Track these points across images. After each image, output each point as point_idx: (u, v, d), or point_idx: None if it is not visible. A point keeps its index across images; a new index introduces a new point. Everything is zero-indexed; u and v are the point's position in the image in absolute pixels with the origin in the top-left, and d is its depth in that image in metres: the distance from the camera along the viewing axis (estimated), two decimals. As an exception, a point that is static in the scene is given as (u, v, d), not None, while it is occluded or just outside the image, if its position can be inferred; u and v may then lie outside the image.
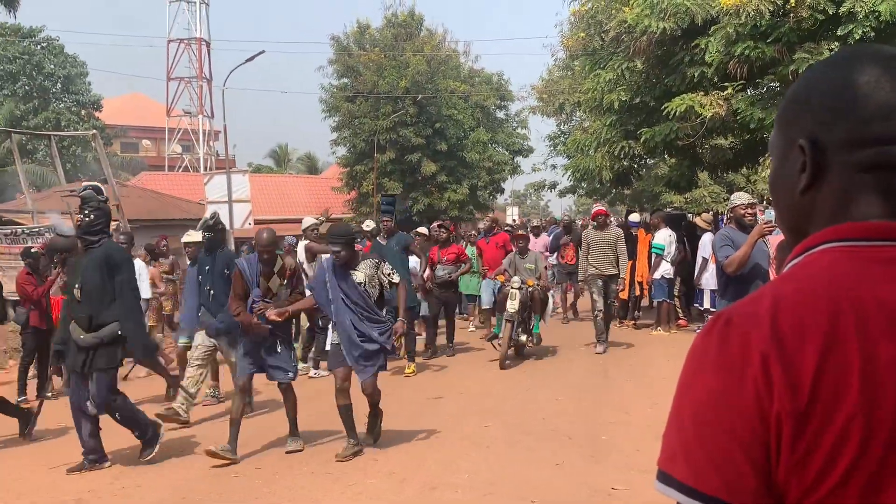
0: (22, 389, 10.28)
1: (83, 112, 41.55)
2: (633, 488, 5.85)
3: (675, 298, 14.63)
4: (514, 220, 26.70)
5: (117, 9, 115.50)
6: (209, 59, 56.08)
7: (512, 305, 11.30)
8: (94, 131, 22.16)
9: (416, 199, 33.31)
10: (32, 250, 11.08)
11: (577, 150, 17.93)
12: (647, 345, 12.91)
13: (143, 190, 29.98)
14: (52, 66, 41.38)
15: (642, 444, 6.85)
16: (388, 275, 7.44)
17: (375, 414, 7.54)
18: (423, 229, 14.72)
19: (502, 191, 39.90)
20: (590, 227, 13.44)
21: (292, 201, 38.93)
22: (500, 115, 37.20)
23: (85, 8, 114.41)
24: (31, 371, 10.58)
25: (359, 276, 7.33)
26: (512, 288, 11.41)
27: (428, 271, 12.84)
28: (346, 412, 7.25)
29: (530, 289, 11.69)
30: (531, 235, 15.22)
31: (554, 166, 33.13)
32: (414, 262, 12.70)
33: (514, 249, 12.33)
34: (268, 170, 52.76)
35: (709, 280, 12.29)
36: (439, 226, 13.71)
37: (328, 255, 9.47)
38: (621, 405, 8.62)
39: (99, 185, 7.64)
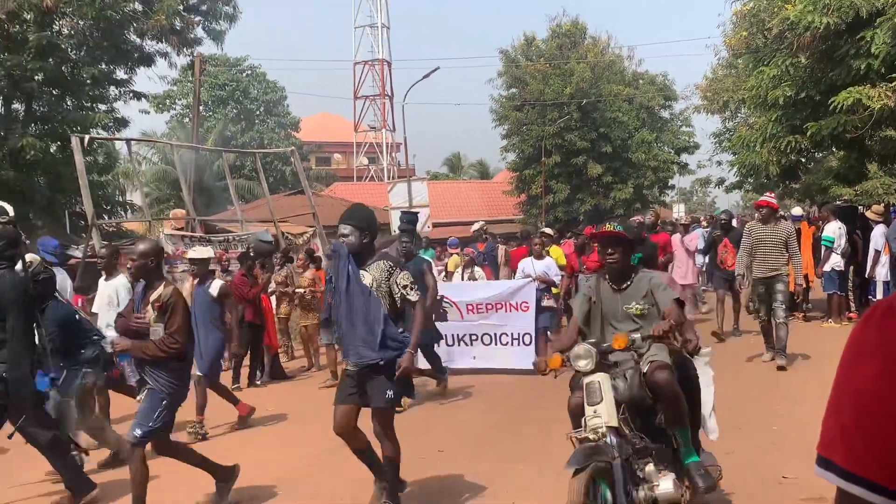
0: (236, 378, 10.91)
1: (283, 132, 43.76)
2: (803, 477, 5.56)
3: (849, 291, 13.73)
4: (677, 217, 25.88)
5: (310, 37, 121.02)
6: (390, 78, 57.61)
7: (595, 423, 4.19)
8: (293, 148, 23.28)
9: (582, 200, 33.01)
10: (249, 252, 11.84)
11: (742, 146, 17.24)
12: (818, 337, 12.20)
13: (335, 199, 31.21)
14: (256, 92, 43.78)
15: (812, 435, 6.44)
16: (404, 287, 5.28)
17: (392, 472, 5.39)
18: (548, 230, 13.09)
19: (671, 188, 38.90)
20: (754, 220, 11.08)
21: (466, 205, 39.47)
22: (665, 114, 36.25)
23: (282, 37, 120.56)
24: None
25: (366, 276, 5.30)
26: (582, 373, 4.36)
27: (566, 281, 11.50)
28: (362, 455, 5.49)
29: (633, 361, 4.56)
30: (676, 235, 13.63)
31: (719, 163, 32.07)
32: (539, 263, 10.91)
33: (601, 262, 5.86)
34: (444, 177, 53.65)
35: (881, 272, 11.50)
36: (541, 234, 12.13)
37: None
38: (791, 396, 8.20)
39: (3, 205, 6.76)
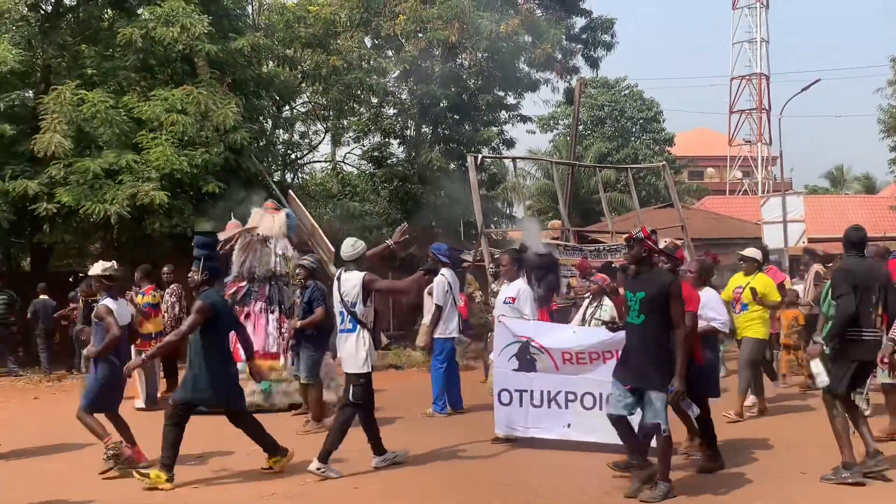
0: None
1: (657, 147, 43.14)
2: None
3: None
4: None
5: (687, 55, 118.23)
6: (768, 92, 54.33)
7: None
8: (664, 163, 22.79)
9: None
10: (613, 265, 11.76)
11: None
12: None
13: (706, 212, 30.03)
14: (633, 111, 43.71)
15: None
16: None
17: None
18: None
19: None
20: None
21: (847, 220, 35.42)
22: None
23: (659, 56, 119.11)
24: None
25: None
26: None
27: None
28: None
29: None
30: None
31: None
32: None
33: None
34: (823, 191, 49.17)
35: None
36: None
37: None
38: None
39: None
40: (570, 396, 7.33)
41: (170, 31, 14.51)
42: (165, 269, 11.33)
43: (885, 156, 33.81)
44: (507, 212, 27.40)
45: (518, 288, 8.15)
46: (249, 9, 19.26)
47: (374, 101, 21.34)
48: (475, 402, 9.48)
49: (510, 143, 23.95)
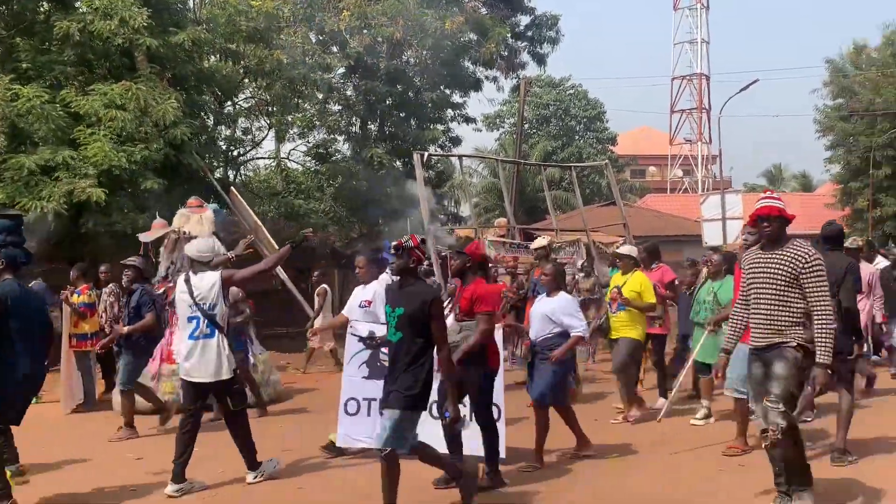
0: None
1: (600, 146, 43.71)
2: None
3: None
4: None
5: (629, 54, 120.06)
6: (708, 92, 55.58)
7: None
8: (606, 161, 23.08)
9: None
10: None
11: None
12: None
13: (648, 210, 30.67)
14: (577, 110, 44.19)
15: None
16: None
17: None
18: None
19: None
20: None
21: (784, 218, 36.65)
22: None
23: (602, 56, 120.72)
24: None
25: None
26: None
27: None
28: None
29: None
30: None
31: None
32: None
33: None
34: (761, 189, 50.37)
35: None
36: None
37: None
38: None
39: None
40: None
41: (108, 24, 14.15)
42: (102, 268, 11.04)
43: (821, 155, 34.99)
44: (455, 210, 27.47)
45: (374, 291, 7.47)
46: (191, 2, 18.86)
47: (319, 96, 21.13)
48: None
49: (456, 141, 23.99)
